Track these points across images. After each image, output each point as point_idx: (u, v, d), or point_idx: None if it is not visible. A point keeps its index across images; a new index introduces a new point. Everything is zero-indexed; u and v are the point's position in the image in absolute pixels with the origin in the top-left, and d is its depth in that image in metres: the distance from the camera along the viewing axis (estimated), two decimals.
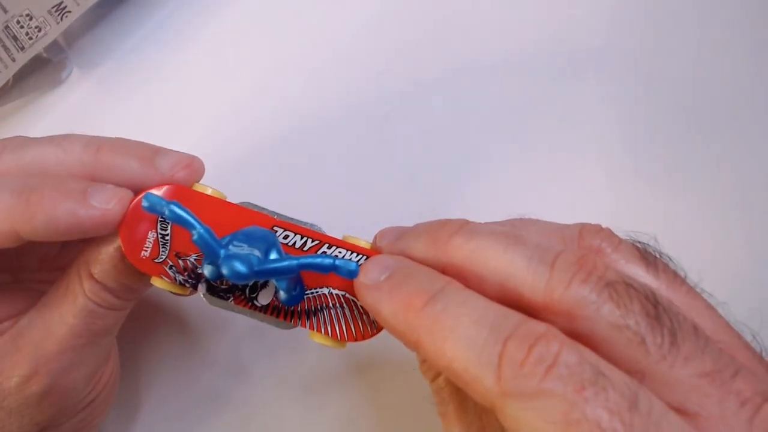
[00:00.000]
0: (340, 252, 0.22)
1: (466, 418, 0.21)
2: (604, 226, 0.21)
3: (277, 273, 0.20)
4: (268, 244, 0.21)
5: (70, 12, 0.32)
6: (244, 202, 0.22)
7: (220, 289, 0.22)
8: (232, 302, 0.22)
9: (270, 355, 0.31)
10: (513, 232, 0.19)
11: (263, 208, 0.22)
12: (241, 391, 0.31)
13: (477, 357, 0.17)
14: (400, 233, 0.21)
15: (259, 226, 0.22)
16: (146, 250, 0.22)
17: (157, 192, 0.21)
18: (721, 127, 0.32)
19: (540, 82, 0.33)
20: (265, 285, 0.22)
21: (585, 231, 0.21)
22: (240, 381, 0.31)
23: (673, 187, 0.32)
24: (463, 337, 0.17)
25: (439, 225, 0.20)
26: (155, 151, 0.23)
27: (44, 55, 0.33)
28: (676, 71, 0.33)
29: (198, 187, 0.22)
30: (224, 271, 0.19)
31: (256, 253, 0.20)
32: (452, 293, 0.18)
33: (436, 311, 0.18)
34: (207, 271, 0.21)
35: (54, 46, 0.33)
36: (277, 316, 0.22)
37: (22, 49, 0.32)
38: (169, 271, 0.22)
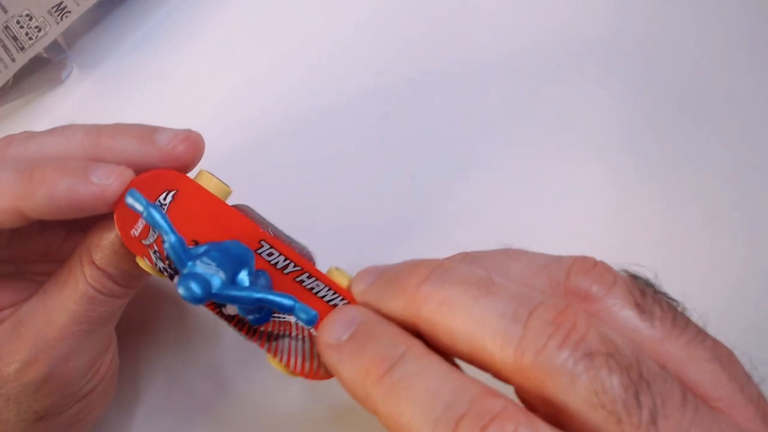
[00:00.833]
0: (318, 285, 0.21)
1: None
2: (598, 258, 0.19)
3: (235, 302, 0.20)
4: (239, 265, 0.21)
5: (70, 12, 0.32)
6: (241, 206, 0.22)
7: None
8: (203, 304, 0.22)
9: None
10: (486, 279, 0.18)
11: (258, 217, 0.22)
12: (242, 386, 0.31)
13: None
14: (374, 278, 0.20)
15: (244, 238, 0.21)
16: (137, 229, 0.22)
17: (159, 175, 0.22)
18: (722, 126, 0.32)
19: (540, 82, 0.33)
20: None
21: (575, 270, 0.19)
22: (241, 375, 0.31)
23: (673, 187, 0.32)
24: (418, 412, 0.16)
25: (409, 270, 0.19)
26: (153, 130, 0.23)
27: (44, 55, 0.33)
28: (676, 71, 0.33)
29: (203, 176, 0.22)
30: (180, 289, 0.19)
31: (221, 275, 0.20)
32: (411, 361, 0.17)
33: (392, 382, 0.17)
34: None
35: (54, 46, 0.33)
36: (240, 330, 0.22)
37: (22, 49, 0.32)
38: (153, 256, 0.22)
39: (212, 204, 0.22)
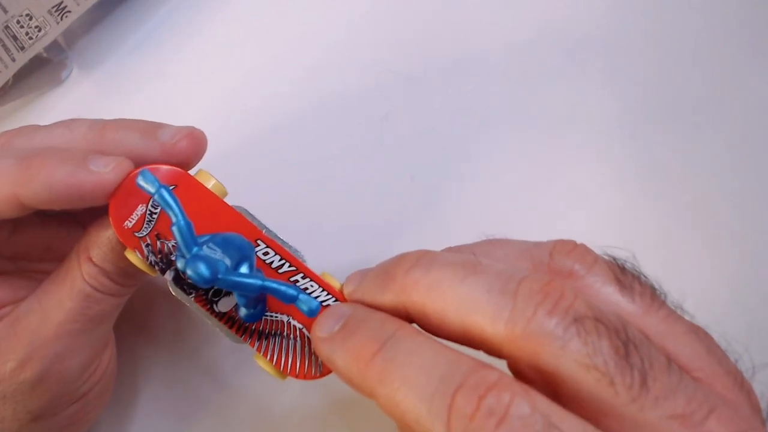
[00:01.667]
0: (311, 285, 0.21)
1: None
2: (578, 241, 0.20)
3: (240, 287, 0.20)
4: (242, 255, 0.21)
5: (70, 12, 0.32)
6: (238, 207, 0.22)
7: (185, 283, 0.22)
8: (193, 299, 0.22)
9: None
10: (472, 260, 0.18)
11: (255, 219, 0.22)
12: (241, 385, 0.31)
13: (427, 411, 0.16)
14: (363, 277, 0.21)
15: (243, 235, 0.22)
16: (130, 221, 0.22)
17: (160, 169, 0.22)
18: (722, 129, 0.32)
19: (540, 82, 0.33)
20: (228, 294, 0.22)
21: (557, 250, 0.20)
22: (240, 373, 0.31)
23: (673, 187, 0.32)
24: (413, 388, 0.17)
25: (395, 261, 0.19)
26: (157, 126, 0.23)
27: (44, 55, 0.33)
28: (675, 69, 0.33)
29: (202, 175, 0.22)
30: (188, 270, 0.20)
31: (227, 261, 0.20)
32: (403, 340, 0.18)
33: (385, 360, 0.17)
34: (178, 262, 0.21)
35: (54, 46, 0.33)
36: (231, 327, 0.22)
37: (22, 49, 0.32)
38: (145, 249, 0.22)
39: (211, 201, 0.22)
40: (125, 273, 0.24)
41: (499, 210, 0.32)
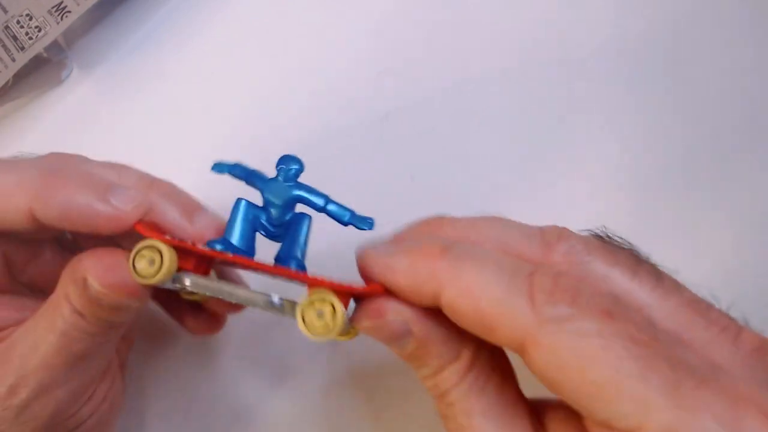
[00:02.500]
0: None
1: (492, 419, 0.19)
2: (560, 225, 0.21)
3: (313, 192, 0.22)
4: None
5: (70, 12, 0.32)
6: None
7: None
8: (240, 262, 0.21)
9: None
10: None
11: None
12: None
13: (507, 291, 0.17)
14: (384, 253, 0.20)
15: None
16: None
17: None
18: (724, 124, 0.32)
19: (540, 81, 0.33)
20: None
21: (546, 234, 0.20)
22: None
23: (677, 191, 0.32)
24: (489, 272, 0.18)
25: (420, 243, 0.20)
26: (197, 207, 0.23)
27: (44, 55, 0.33)
28: (679, 73, 0.33)
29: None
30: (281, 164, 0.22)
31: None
32: (466, 244, 0.19)
33: (455, 256, 0.18)
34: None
35: (54, 46, 0.33)
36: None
37: (22, 49, 0.32)
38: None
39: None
40: (99, 319, 0.22)
41: (499, 210, 0.32)
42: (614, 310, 0.17)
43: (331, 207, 0.22)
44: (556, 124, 0.32)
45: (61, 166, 0.21)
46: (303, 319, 0.20)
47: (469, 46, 0.33)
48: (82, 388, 0.24)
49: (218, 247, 0.21)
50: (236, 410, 0.31)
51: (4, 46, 0.32)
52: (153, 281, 0.20)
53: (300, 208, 0.23)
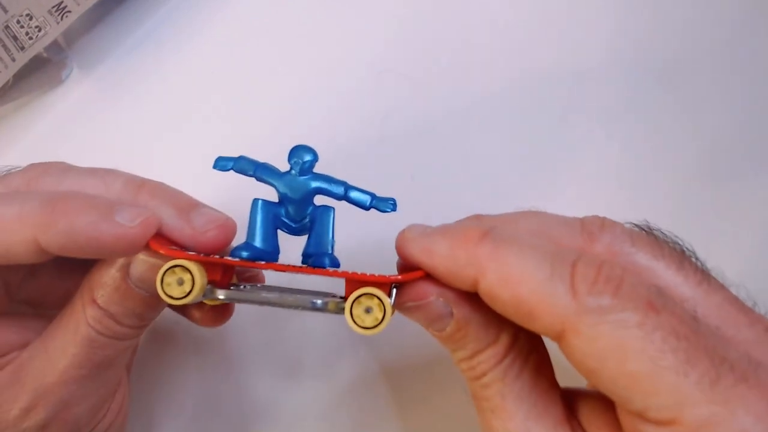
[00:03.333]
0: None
1: (526, 401, 0.19)
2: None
3: (330, 181, 0.21)
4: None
5: (70, 12, 0.32)
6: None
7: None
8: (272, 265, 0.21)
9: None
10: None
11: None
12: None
13: (549, 277, 0.17)
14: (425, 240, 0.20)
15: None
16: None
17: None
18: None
19: (540, 81, 0.33)
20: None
21: (588, 224, 0.20)
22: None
23: (680, 194, 0.32)
24: (530, 258, 0.17)
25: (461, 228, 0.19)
26: (193, 205, 0.22)
27: (44, 55, 0.33)
28: (679, 79, 0.33)
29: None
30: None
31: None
32: (506, 229, 0.19)
33: (496, 240, 0.18)
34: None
35: (54, 46, 0.33)
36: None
37: (22, 49, 0.32)
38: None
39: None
40: (132, 313, 0.22)
41: (499, 210, 0.32)
42: (657, 302, 0.16)
43: (352, 194, 0.22)
44: (556, 124, 0.32)
45: (61, 198, 0.20)
46: (352, 316, 0.20)
47: (470, 46, 0.33)
48: (101, 402, 0.24)
49: (244, 254, 0.21)
50: (247, 409, 0.31)
51: (4, 46, 0.32)
52: (186, 301, 0.20)
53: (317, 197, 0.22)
